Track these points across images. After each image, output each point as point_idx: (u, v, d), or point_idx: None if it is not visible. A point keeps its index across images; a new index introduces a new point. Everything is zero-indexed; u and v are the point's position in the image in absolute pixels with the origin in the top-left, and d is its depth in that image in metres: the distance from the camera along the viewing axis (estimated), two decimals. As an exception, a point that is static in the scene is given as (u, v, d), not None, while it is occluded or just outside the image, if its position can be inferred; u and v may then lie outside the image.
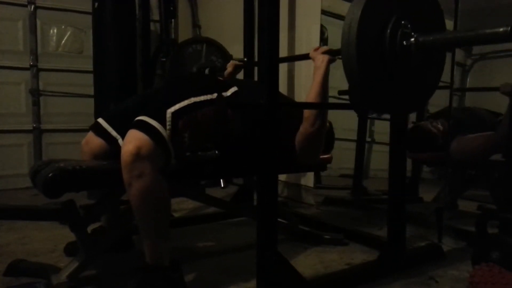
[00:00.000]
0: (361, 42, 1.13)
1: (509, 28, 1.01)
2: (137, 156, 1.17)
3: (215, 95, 1.39)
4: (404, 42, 1.19)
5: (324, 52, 1.56)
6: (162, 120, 1.27)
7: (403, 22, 1.19)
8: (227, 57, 2.43)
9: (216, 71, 2.31)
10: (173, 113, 1.29)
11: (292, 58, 1.89)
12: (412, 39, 1.19)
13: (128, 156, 1.17)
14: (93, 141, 1.44)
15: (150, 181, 1.19)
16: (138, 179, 1.18)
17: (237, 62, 2.10)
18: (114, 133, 1.41)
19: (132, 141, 1.20)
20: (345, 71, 1.18)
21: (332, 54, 1.55)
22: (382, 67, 1.20)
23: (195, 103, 1.35)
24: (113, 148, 1.37)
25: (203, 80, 1.57)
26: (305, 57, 1.71)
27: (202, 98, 1.37)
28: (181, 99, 1.34)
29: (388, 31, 1.18)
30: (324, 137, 1.57)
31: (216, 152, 1.41)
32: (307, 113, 1.51)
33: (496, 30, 1.04)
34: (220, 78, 1.53)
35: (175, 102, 1.32)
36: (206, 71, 2.31)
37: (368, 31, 1.15)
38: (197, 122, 1.33)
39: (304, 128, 1.51)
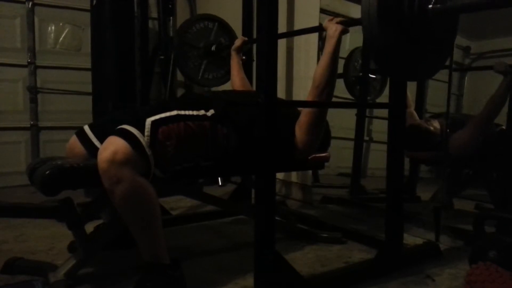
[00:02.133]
0: (381, 6, 1.14)
1: None
2: (113, 162, 1.15)
3: (201, 111, 1.38)
4: (423, 6, 1.20)
5: (338, 23, 1.54)
6: (141, 128, 1.25)
7: None
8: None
9: (223, 49, 2.31)
10: (152, 121, 1.28)
11: (304, 31, 1.88)
12: (430, 4, 1.20)
13: (104, 163, 1.15)
14: (76, 147, 1.43)
15: (130, 186, 1.16)
16: (118, 185, 1.15)
17: (245, 38, 2.11)
18: (97, 143, 1.39)
19: (108, 147, 1.18)
20: (365, 35, 1.19)
21: (346, 24, 1.53)
22: (401, 31, 1.21)
23: (178, 115, 1.34)
24: (95, 157, 1.36)
25: (191, 98, 1.56)
26: (318, 28, 1.68)
27: (187, 112, 1.36)
28: (164, 111, 1.33)
29: None
30: (324, 120, 1.56)
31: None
32: (315, 82, 1.49)
33: None
34: (208, 96, 1.52)
35: (157, 113, 1.32)
36: (213, 47, 2.31)
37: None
38: (180, 133, 1.31)
39: (313, 95, 1.49)
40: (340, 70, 2.71)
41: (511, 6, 1.12)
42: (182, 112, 1.35)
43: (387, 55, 1.22)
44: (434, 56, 1.37)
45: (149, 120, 1.28)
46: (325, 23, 1.59)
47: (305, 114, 1.53)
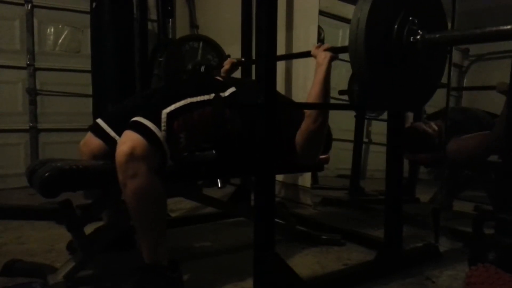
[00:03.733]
0: (369, 38, 1.13)
1: None
2: (131, 156, 1.17)
3: (212, 95, 1.38)
4: (411, 39, 1.20)
5: (326, 50, 1.55)
6: (157, 121, 1.26)
7: (410, 18, 1.21)
8: (223, 56, 2.42)
9: (212, 69, 2.30)
10: (168, 114, 1.28)
11: (293, 56, 1.87)
12: (418, 36, 1.20)
13: (122, 157, 1.17)
14: (92, 142, 1.44)
15: (144, 181, 1.19)
16: (133, 179, 1.18)
17: (234, 60, 2.10)
18: (112, 133, 1.41)
19: (127, 142, 1.20)
20: (352, 65, 1.19)
21: (334, 52, 1.53)
22: (388, 64, 1.21)
23: (191, 103, 1.34)
24: (112, 148, 1.37)
25: (201, 81, 1.56)
26: (306, 54, 1.68)
27: (199, 98, 1.36)
28: (177, 100, 1.33)
29: (396, 27, 1.19)
30: (325, 135, 1.56)
31: (214, 152, 1.41)
32: (308, 111, 1.50)
33: (502, 28, 1.04)
34: (219, 78, 1.52)
35: (171, 103, 1.31)
36: (202, 68, 2.30)
37: (376, 27, 1.16)
38: (193, 123, 1.32)
39: (307, 125, 1.50)
40: (344, 86, 2.72)
41: (498, 41, 1.11)
42: (195, 100, 1.35)
43: (375, 88, 1.22)
44: (424, 86, 1.36)
45: (164, 113, 1.28)
46: (313, 51, 1.59)
47: (304, 128, 1.52)
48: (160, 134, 1.25)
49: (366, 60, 1.14)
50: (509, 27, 1.03)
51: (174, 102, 1.32)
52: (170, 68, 2.27)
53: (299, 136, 1.52)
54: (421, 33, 1.20)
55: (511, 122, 1.47)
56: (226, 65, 2.08)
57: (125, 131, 1.24)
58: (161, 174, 1.25)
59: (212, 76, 1.54)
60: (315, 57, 1.57)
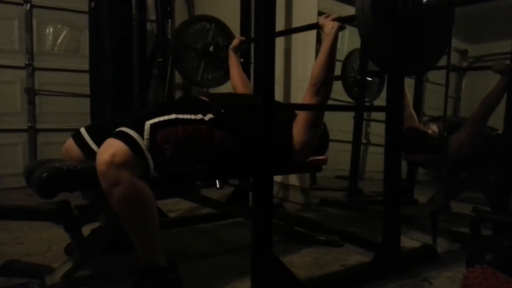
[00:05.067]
0: (375, 2, 1.14)
1: None
2: (112, 164, 1.15)
3: (199, 116, 1.38)
4: (417, 1, 1.20)
5: (334, 19, 1.54)
6: (140, 131, 1.25)
7: None
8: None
9: (220, 50, 2.31)
10: (151, 125, 1.27)
11: (300, 29, 1.88)
12: None
13: (103, 165, 1.15)
14: (72, 149, 1.42)
15: (128, 188, 1.17)
16: (116, 187, 1.16)
17: (243, 38, 2.12)
18: (94, 146, 1.38)
19: (107, 149, 1.18)
20: (360, 32, 1.19)
21: (342, 21, 1.53)
22: (395, 26, 1.21)
23: (177, 119, 1.33)
24: (91, 160, 1.35)
25: (190, 102, 1.56)
26: (314, 26, 1.67)
27: (185, 116, 1.35)
28: (163, 114, 1.33)
29: None
30: (322, 120, 1.56)
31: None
32: (313, 79, 1.49)
33: None
34: (206, 100, 1.52)
35: (156, 116, 1.31)
36: (211, 48, 2.31)
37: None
38: (177, 137, 1.31)
39: (309, 96, 1.49)
40: (338, 72, 2.72)
41: None
42: (181, 116, 1.35)
43: (383, 51, 1.23)
44: (431, 49, 1.37)
45: (148, 123, 1.27)
46: (321, 21, 1.58)
47: (302, 114, 1.53)
48: (142, 142, 1.23)
49: (373, 23, 1.15)
50: None
51: (159, 116, 1.31)
52: (180, 43, 2.27)
53: (299, 116, 1.53)
54: None
55: (510, 123, 1.47)
56: (235, 41, 2.11)
57: (106, 140, 1.21)
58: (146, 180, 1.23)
59: (199, 98, 1.53)
60: (322, 27, 1.56)
